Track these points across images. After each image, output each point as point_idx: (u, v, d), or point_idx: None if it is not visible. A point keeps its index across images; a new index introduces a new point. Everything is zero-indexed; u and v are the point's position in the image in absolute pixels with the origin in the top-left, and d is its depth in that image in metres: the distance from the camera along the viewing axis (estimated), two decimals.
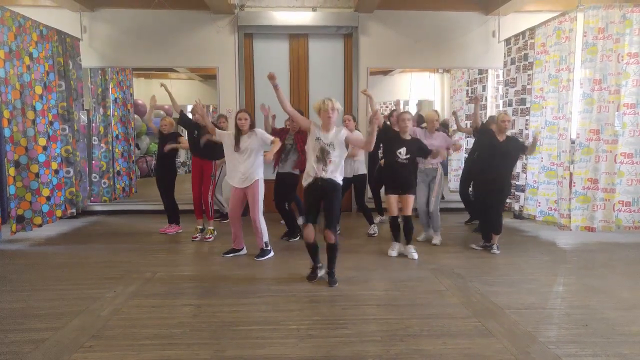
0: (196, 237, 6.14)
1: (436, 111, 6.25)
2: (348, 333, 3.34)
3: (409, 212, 5.27)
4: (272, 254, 5.30)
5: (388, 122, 6.51)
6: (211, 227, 6.21)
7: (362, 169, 6.29)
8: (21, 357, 2.99)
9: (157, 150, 6.56)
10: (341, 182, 4.41)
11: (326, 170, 4.27)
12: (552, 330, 3.42)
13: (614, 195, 5.76)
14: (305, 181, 4.39)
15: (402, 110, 5.70)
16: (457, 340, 3.23)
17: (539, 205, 6.50)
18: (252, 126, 5.14)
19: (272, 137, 5.14)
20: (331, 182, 4.30)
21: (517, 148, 5.46)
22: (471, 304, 3.91)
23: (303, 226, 4.46)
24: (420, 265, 5.03)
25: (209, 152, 5.94)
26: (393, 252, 5.38)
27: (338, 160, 4.32)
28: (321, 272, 4.54)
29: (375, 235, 6.34)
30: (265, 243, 5.26)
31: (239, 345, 3.16)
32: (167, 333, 3.35)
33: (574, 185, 5.81)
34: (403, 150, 5.20)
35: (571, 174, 5.89)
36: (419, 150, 5.30)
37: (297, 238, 5.98)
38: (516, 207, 7.20)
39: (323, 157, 4.25)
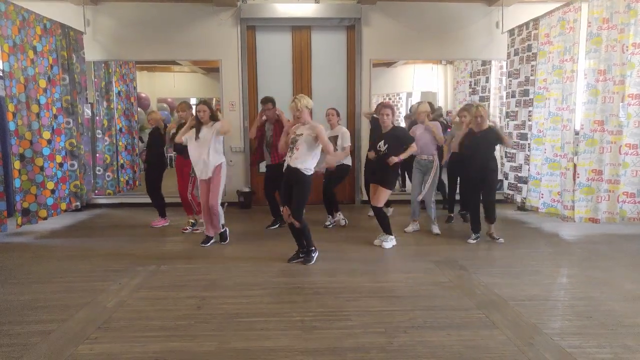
0: (186, 229, 6.24)
1: (429, 103, 6.35)
2: (352, 325, 3.36)
3: (379, 204, 5.31)
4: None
5: (375, 115, 6.45)
6: (201, 220, 6.30)
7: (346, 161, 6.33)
8: (28, 348, 3.02)
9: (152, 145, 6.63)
10: (307, 174, 4.63)
11: (291, 157, 4.63)
12: (556, 322, 3.43)
13: (618, 187, 5.73)
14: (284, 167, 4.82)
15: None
16: (461, 332, 3.24)
17: (542, 197, 6.48)
18: (212, 118, 5.37)
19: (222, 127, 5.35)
20: (295, 171, 4.60)
21: (497, 138, 5.57)
22: (475, 295, 3.92)
23: (283, 209, 4.79)
24: (423, 257, 5.04)
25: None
26: (377, 241, 5.54)
27: (305, 151, 4.59)
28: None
29: (330, 226, 6.44)
30: (222, 225, 5.60)
31: (243, 336, 3.19)
32: (172, 325, 3.38)
33: (578, 177, 5.79)
34: (381, 142, 5.27)
35: (575, 165, 5.88)
36: (394, 139, 5.25)
37: (277, 226, 6.35)
38: (518, 198, 7.20)
39: (292, 147, 4.66)
